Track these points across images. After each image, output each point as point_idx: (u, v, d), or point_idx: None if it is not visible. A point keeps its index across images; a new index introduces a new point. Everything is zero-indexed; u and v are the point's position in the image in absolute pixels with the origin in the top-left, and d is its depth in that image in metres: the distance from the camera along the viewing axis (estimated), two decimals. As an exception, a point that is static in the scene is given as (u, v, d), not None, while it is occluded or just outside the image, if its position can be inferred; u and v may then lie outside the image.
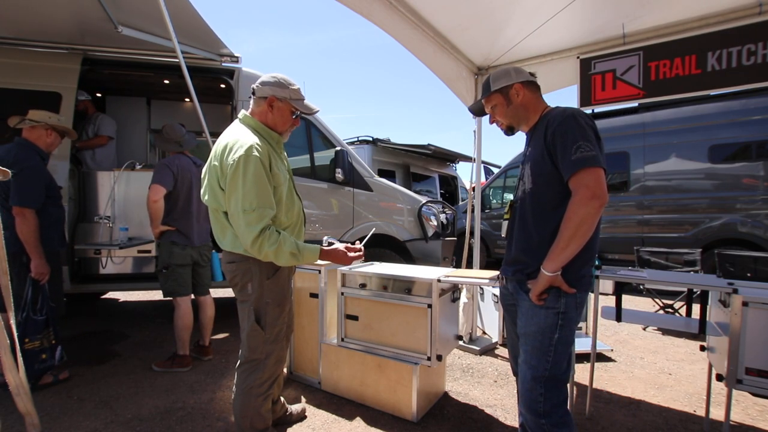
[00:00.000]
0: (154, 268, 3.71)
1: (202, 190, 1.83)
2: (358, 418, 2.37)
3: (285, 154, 1.98)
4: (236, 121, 1.87)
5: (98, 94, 4.88)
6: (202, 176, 1.86)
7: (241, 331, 1.91)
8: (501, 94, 1.65)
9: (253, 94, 1.83)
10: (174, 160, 3.02)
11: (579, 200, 1.35)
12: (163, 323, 4.26)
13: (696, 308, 2.33)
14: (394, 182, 6.74)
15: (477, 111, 1.81)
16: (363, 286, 2.51)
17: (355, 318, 2.54)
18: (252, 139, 1.70)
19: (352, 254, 1.93)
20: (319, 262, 2.77)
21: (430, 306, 2.26)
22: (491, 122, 1.75)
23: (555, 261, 1.40)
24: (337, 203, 4.31)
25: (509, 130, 1.70)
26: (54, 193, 2.78)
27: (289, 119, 1.87)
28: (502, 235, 1.75)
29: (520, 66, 1.73)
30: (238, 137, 1.70)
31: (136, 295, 5.60)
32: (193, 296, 3.15)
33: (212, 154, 1.78)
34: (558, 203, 1.44)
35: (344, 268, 2.59)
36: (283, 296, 1.90)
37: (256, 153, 1.65)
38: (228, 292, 5.50)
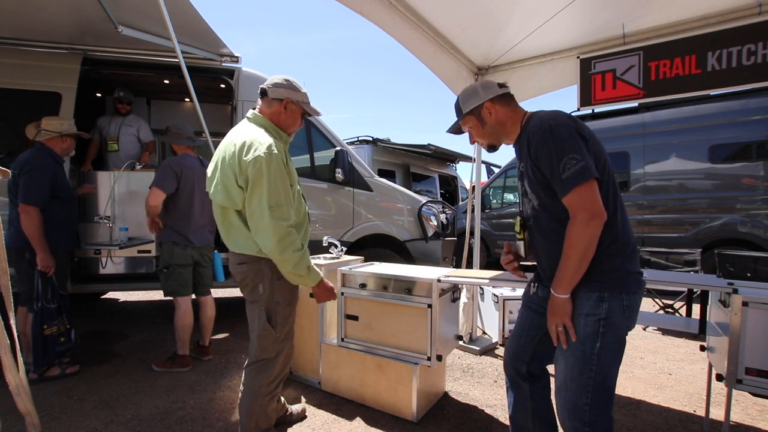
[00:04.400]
0: (154, 268, 3.71)
1: (211, 189, 1.81)
2: (358, 418, 2.37)
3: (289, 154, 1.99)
4: (245, 121, 1.88)
5: (98, 94, 4.88)
6: (210, 174, 1.84)
7: (250, 332, 1.90)
8: (473, 115, 1.58)
9: (264, 94, 1.85)
10: (180, 160, 3.01)
11: (581, 223, 1.29)
12: (163, 323, 4.26)
13: (696, 308, 2.33)
14: (394, 182, 6.75)
15: (456, 131, 1.72)
16: (363, 286, 2.51)
17: (355, 318, 2.54)
18: (269, 138, 1.74)
19: (333, 293, 1.98)
20: (320, 261, 2.78)
21: (430, 306, 2.26)
22: (471, 142, 1.71)
23: (568, 285, 1.35)
24: (337, 203, 4.31)
25: (491, 148, 1.65)
26: (63, 194, 2.88)
27: (298, 121, 1.92)
28: (522, 255, 1.66)
29: (489, 80, 1.66)
30: (255, 136, 1.72)
31: (136, 295, 5.60)
32: (194, 296, 3.15)
33: (224, 152, 1.77)
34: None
35: (344, 268, 2.59)
36: (292, 295, 1.91)
37: (276, 151, 1.69)
38: (229, 293, 5.51)
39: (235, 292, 5.44)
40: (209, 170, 1.86)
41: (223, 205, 1.77)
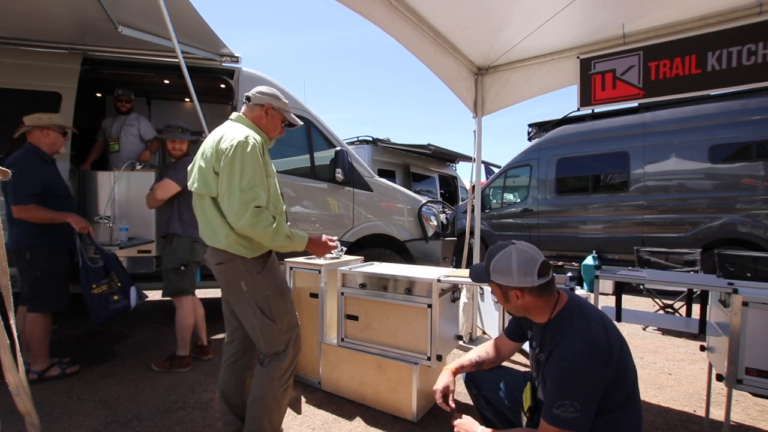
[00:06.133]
0: (155, 267, 3.70)
1: (189, 181, 1.86)
2: (358, 418, 2.37)
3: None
4: (228, 121, 1.94)
5: (98, 94, 4.88)
6: (189, 168, 1.90)
7: (250, 332, 1.87)
8: (499, 288, 1.49)
9: (248, 100, 1.93)
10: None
11: None
12: (163, 323, 4.26)
13: (696, 308, 2.33)
14: (394, 182, 6.75)
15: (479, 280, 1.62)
16: (363, 286, 2.51)
17: (355, 318, 2.54)
18: (248, 131, 1.81)
19: (330, 243, 2.00)
20: (320, 261, 2.78)
21: (430, 306, 2.26)
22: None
23: None
24: (337, 203, 4.31)
25: (510, 313, 1.59)
26: (57, 192, 2.85)
27: (278, 127, 2.00)
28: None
29: (532, 258, 1.41)
30: (234, 129, 1.80)
31: (136, 295, 5.60)
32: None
33: (205, 146, 1.83)
34: (598, 409, 1.33)
35: (344, 268, 2.59)
36: (282, 286, 1.92)
37: (252, 140, 1.75)
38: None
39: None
40: (189, 166, 1.91)
41: (200, 193, 1.81)
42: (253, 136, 1.77)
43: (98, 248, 2.89)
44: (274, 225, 1.74)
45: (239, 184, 1.67)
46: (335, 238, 2.04)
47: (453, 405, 1.70)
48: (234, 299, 1.87)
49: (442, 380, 1.76)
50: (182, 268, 2.98)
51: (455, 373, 1.80)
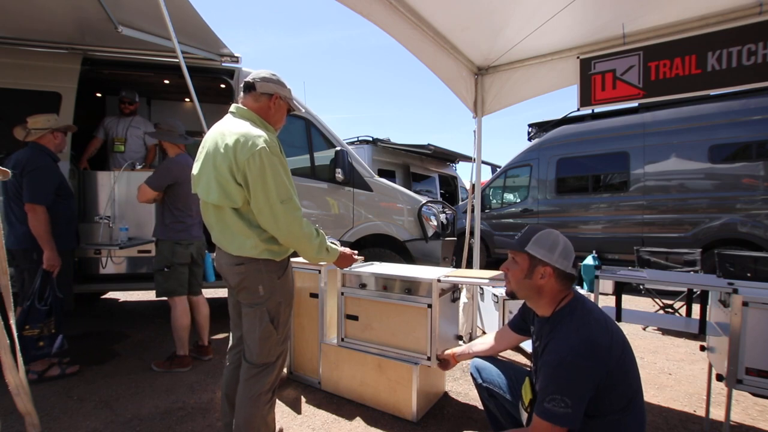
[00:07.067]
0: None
1: (199, 188, 1.72)
2: (358, 418, 2.37)
3: None
4: (229, 116, 1.77)
5: (98, 94, 4.88)
6: (196, 172, 1.75)
7: (247, 337, 1.79)
8: (529, 259, 1.46)
9: (252, 88, 1.75)
10: (179, 159, 2.99)
11: None
12: (163, 323, 4.25)
13: (696, 308, 2.33)
14: (394, 182, 6.75)
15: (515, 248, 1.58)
16: (363, 286, 2.51)
17: (355, 318, 2.54)
18: (261, 131, 1.66)
19: (354, 257, 2.07)
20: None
21: (430, 306, 2.26)
22: (501, 269, 1.62)
23: None
24: (337, 203, 4.31)
25: (512, 296, 1.57)
26: (64, 192, 2.89)
27: (284, 117, 1.88)
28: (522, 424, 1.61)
29: (570, 247, 1.46)
30: (247, 131, 1.63)
31: (136, 295, 5.60)
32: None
33: (212, 148, 1.68)
34: (595, 411, 1.32)
35: (344, 268, 2.59)
36: (291, 295, 1.89)
37: (271, 143, 1.64)
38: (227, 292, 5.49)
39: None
40: (195, 169, 1.77)
41: (218, 204, 1.66)
42: (269, 137, 1.64)
43: (54, 290, 2.75)
44: (320, 238, 1.74)
45: (278, 197, 1.60)
46: (356, 251, 2.09)
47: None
48: (246, 302, 1.77)
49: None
50: (165, 269, 2.98)
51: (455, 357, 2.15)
